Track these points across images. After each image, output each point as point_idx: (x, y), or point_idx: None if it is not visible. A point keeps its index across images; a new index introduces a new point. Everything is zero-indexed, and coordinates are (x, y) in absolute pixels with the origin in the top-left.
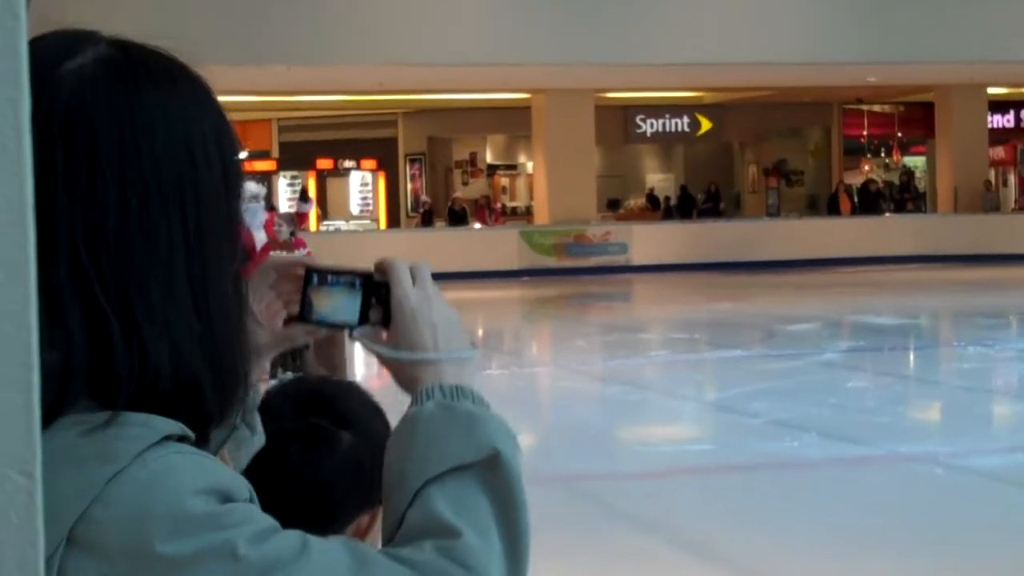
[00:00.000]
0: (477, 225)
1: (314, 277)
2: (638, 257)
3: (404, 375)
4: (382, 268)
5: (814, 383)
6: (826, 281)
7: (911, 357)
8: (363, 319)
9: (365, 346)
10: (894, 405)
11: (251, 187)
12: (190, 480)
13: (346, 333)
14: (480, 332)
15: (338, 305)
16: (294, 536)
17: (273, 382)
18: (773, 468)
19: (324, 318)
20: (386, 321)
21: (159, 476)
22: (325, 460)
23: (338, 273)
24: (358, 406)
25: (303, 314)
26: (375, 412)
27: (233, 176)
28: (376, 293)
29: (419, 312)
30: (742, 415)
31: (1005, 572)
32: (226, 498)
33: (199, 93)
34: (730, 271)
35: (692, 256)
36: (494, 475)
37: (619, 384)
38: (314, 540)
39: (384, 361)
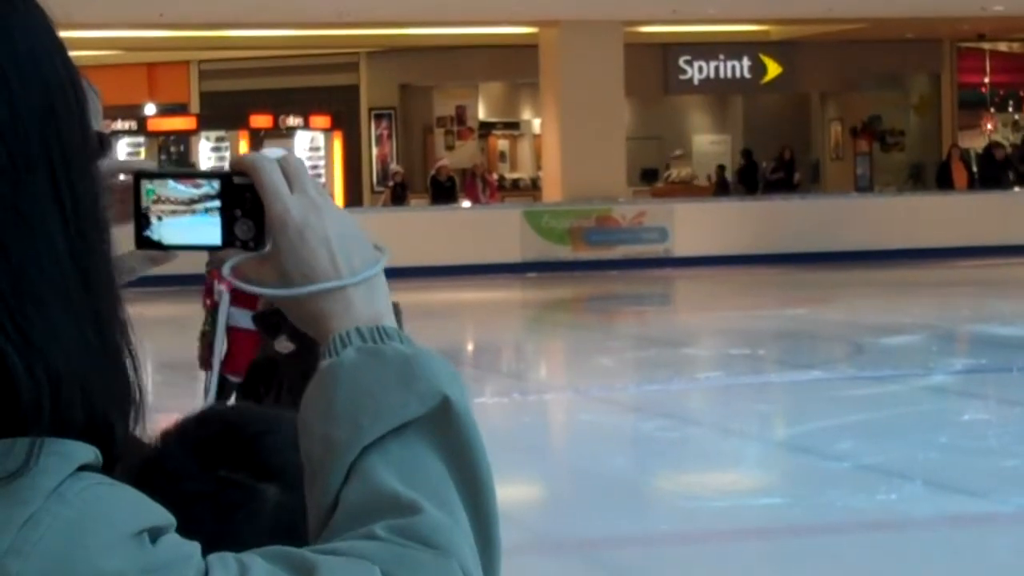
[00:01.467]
0: (466, 203)
1: (148, 184)
2: (682, 246)
3: (302, 313)
4: (242, 166)
5: (919, 415)
6: (935, 278)
7: None
8: (227, 239)
9: (238, 284)
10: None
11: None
12: (123, 519)
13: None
14: (470, 347)
15: (188, 221)
16: (229, 563)
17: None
18: (864, 528)
19: (169, 240)
20: (258, 239)
21: (86, 516)
22: (243, 528)
23: (183, 176)
24: (289, 445)
25: (139, 237)
26: None
27: (86, 117)
28: (240, 201)
29: (307, 226)
30: (822, 458)
31: None
32: (157, 532)
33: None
34: (806, 265)
35: (754, 245)
36: (446, 428)
37: (657, 417)
38: (249, 561)
39: (271, 298)
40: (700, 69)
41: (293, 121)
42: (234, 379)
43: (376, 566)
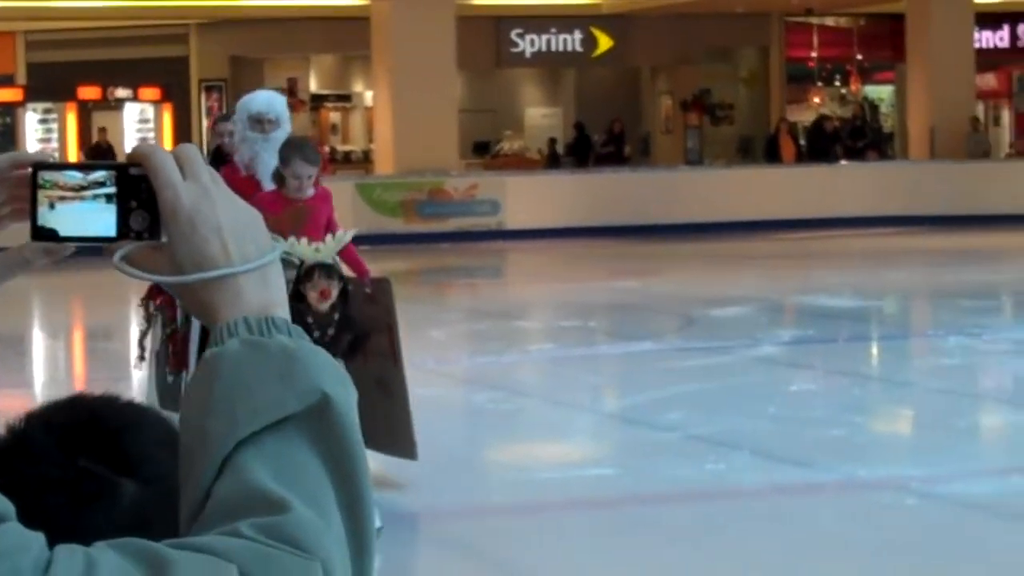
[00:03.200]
0: None
1: (45, 175)
2: (514, 219)
3: (194, 301)
4: (138, 157)
5: (748, 386)
6: (764, 250)
7: (874, 351)
8: (122, 231)
9: (128, 271)
10: (851, 415)
11: (258, 99)
12: None
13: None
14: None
15: (84, 212)
16: (77, 556)
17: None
18: (694, 498)
19: (65, 232)
20: (153, 230)
21: None
22: (98, 520)
23: (79, 168)
24: (151, 441)
25: (34, 228)
26: (176, 448)
27: None
28: (136, 193)
29: (198, 213)
30: (653, 428)
31: None
32: None
33: None
34: (637, 237)
35: (586, 218)
36: (323, 426)
37: (489, 389)
38: (98, 555)
39: (160, 285)
40: (532, 42)
41: (122, 93)
42: None
43: (233, 564)
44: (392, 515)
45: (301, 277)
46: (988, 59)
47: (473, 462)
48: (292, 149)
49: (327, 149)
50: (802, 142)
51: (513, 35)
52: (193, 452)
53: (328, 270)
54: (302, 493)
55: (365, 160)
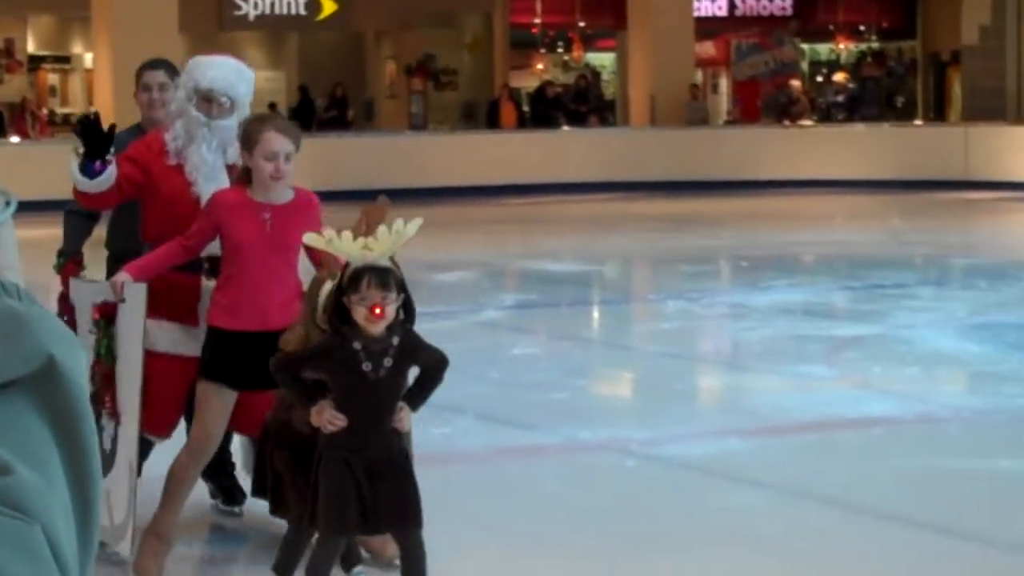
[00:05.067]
0: (15, 139)
1: None
2: None
3: None
4: None
5: (471, 351)
6: (486, 215)
7: (595, 315)
8: None
9: None
10: (573, 378)
11: (217, 72)
12: None
13: None
14: None
15: None
16: None
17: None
18: (419, 463)
19: None
20: None
21: None
22: None
23: None
24: None
25: None
26: None
27: None
28: None
29: None
30: None
31: None
32: None
33: None
34: (359, 202)
35: (309, 183)
36: (50, 389)
37: None
38: None
39: None
40: (255, 5)
41: None
42: (157, 439)
43: None
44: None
45: (344, 286)
46: (707, 28)
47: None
48: (257, 120)
49: (45, 112)
50: (525, 108)
51: None
52: None
53: (383, 277)
54: (25, 457)
55: None
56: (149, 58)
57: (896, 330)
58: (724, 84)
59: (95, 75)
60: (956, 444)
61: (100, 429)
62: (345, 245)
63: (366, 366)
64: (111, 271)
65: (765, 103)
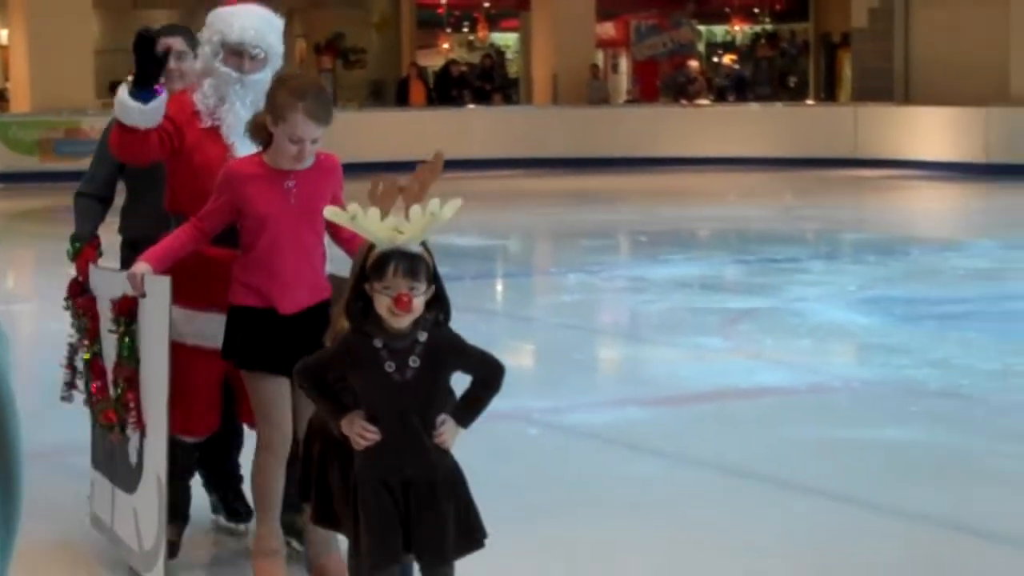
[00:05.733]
0: None
1: None
2: None
3: None
4: None
5: None
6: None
7: (499, 288)
8: None
9: None
10: None
11: (243, 22)
12: None
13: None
14: None
15: None
16: None
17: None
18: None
19: None
20: None
21: None
22: None
23: None
24: None
25: None
26: None
27: None
28: None
29: None
30: None
31: (613, 552)
32: None
33: None
34: None
35: None
36: None
37: None
38: None
39: None
40: None
41: None
42: (190, 440)
43: None
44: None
45: (367, 271)
46: (607, 9)
47: None
48: (290, 93)
49: None
50: (431, 86)
51: None
52: None
53: (412, 263)
54: None
55: (2, 99)
56: (166, 24)
57: (788, 303)
58: (624, 64)
59: (10, 50)
60: (846, 413)
61: (125, 440)
62: (371, 224)
63: (389, 366)
64: (126, 260)
65: (663, 83)
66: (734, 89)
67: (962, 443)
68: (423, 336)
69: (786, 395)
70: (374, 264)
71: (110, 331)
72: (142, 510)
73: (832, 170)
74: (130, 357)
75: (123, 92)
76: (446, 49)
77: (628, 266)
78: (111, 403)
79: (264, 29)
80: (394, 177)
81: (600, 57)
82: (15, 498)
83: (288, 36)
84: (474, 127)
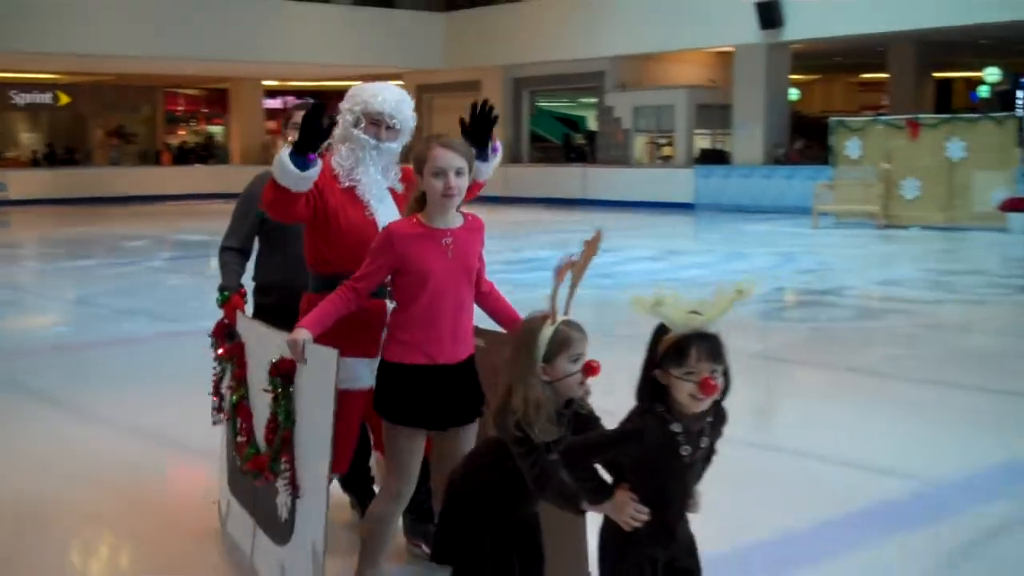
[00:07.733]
0: None
1: None
2: (16, 194)
3: None
4: None
5: (145, 283)
6: (154, 212)
7: (214, 264)
8: None
9: None
10: (200, 295)
11: (386, 97)
12: None
13: None
14: None
15: None
16: None
17: None
18: (120, 343)
19: None
20: None
21: None
22: None
23: None
24: None
25: None
26: None
27: None
28: None
29: None
30: (95, 307)
31: None
32: None
33: None
34: (85, 205)
35: (57, 193)
36: None
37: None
38: None
39: None
40: (23, 97)
41: None
42: (332, 477)
43: None
44: None
45: (660, 358)
46: (271, 113)
47: None
48: (425, 139)
49: None
50: (174, 154)
51: (11, 93)
52: None
53: (714, 346)
54: None
55: None
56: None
57: None
58: (280, 143)
59: None
60: None
61: (274, 494)
62: (673, 312)
63: (684, 450)
64: (257, 304)
65: None
66: None
67: None
68: (710, 416)
69: None
70: (672, 351)
71: (264, 390)
72: (292, 570)
73: None
74: (287, 419)
75: (284, 154)
76: (183, 134)
77: None
78: (259, 453)
79: (403, 104)
80: (568, 256)
81: (267, 139)
82: None
83: (93, 127)
84: (197, 176)
